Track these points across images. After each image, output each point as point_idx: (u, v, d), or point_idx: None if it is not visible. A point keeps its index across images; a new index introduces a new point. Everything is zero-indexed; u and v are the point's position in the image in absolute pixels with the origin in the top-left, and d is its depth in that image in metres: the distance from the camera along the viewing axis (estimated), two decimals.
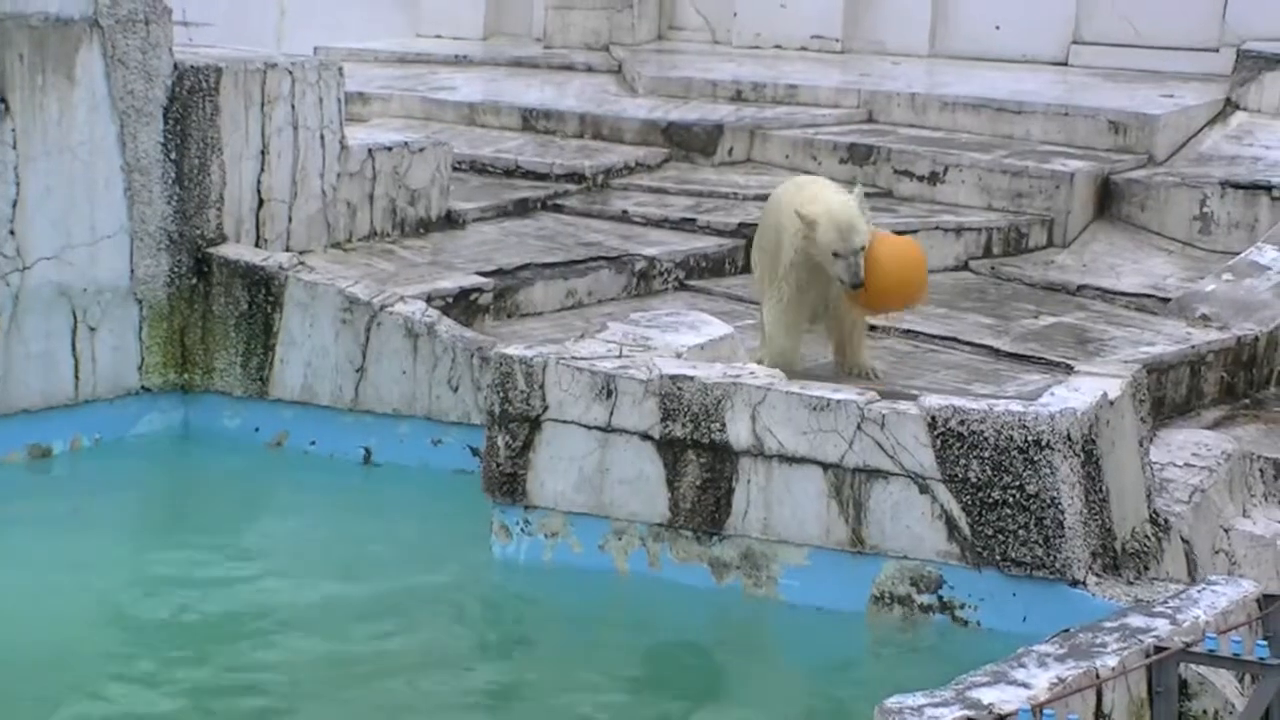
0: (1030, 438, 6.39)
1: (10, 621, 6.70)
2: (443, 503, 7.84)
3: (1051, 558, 6.39)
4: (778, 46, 14.06)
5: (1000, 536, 6.46)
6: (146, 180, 8.46)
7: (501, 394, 7.01)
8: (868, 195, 10.73)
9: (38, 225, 8.08)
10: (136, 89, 8.39)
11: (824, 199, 7.74)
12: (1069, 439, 6.41)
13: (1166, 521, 6.93)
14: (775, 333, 7.89)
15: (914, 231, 10.19)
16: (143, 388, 8.53)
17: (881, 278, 7.61)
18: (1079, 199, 10.68)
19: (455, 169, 10.40)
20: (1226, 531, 7.40)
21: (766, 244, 8.08)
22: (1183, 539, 6.99)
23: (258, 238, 8.92)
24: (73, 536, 7.55)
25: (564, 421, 6.94)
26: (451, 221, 10.05)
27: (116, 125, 8.34)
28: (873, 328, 8.53)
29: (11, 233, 8.00)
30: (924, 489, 6.54)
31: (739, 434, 6.74)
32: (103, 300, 8.36)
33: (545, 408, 6.94)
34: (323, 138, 9.22)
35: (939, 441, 6.51)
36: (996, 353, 8.50)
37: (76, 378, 8.31)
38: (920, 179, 10.99)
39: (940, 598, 6.60)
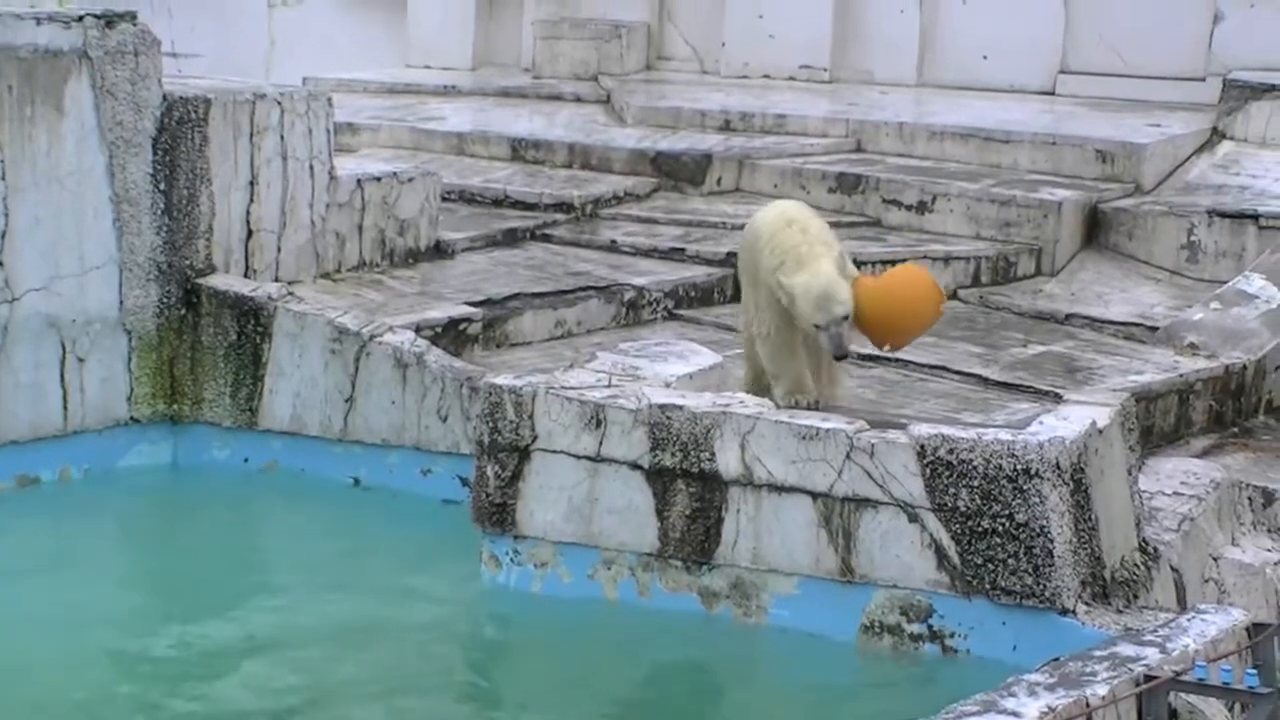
0: (1019, 466, 6.40)
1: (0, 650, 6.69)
2: (432, 532, 7.83)
3: (1041, 586, 6.39)
4: (766, 76, 14.10)
5: (990, 565, 6.46)
6: (135, 211, 8.47)
7: (491, 424, 7.01)
8: (855, 225, 10.88)
9: (26, 256, 8.07)
10: (125, 120, 8.40)
11: (804, 264, 7.30)
12: (1058, 467, 6.42)
13: (1156, 550, 6.93)
14: (779, 366, 7.54)
15: (902, 260, 10.22)
16: (132, 418, 8.52)
17: (874, 327, 7.47)
18: (1067, 228, 10.71)
19: (444, 199, 10.42)
20: (1215, 560, 7.41)
21: (747, 272, 7.85)
22: (1172, 567, 6.99)
23: (247, 268, 8.92)
24: (61, 566, 7.53)
25: (553, 451, 6.93)
26: (440, 251, 10.06)
27: (105, 156, 8.35)
28: (863, 357, 8.55)
29: (0, 264, 7.99)
30: (913, 518, 6.54)
31: (728, 463, 6.74)
32: (92, 331, 8.36)
33: (534, 437, 6.94)
34: (312, 168, 9.23)
35: (928, 470, 6.51)
36: (985, 381, 8.51)
37: (65, 408, 8.31)
38: (909, 208, 11.01)
39: (930, 627, 6.59)
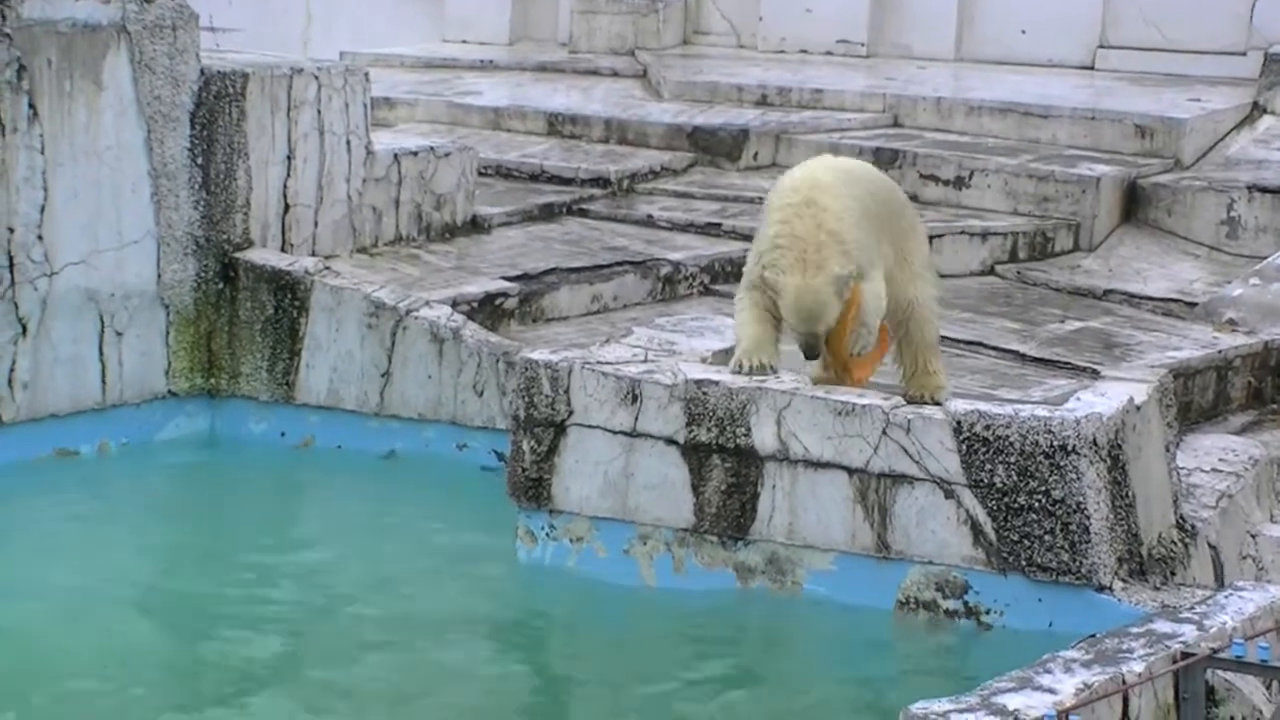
0: (1056, 443, 6.38)
1: (39, 621, 6.72)
2: (468, 507, 7.84)
3: (1077, 563, 6.38)
4: (803, 51, 14.05)
5: (1026, 542, 6.44)
6: (173, 185, 8.49)
7: (527, 399, 7.02)
8: None
9: (65, 230, 8.11)
10: (163, 94, 8.42)
11: (802, 267, 6.69)
12: (1095, 444, 6.39)
13: (1193, 527, 6.91)
14: (741, 326, 6.93)
15: (939, 236, 10.20)
16: (169, 392, 8.56)
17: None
18: (1105, 203, 10.66)
19: (481, 174, 10.42)
20: (1254, 537, 7.37)
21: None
22: (1209, 544, 6.96)
23: (284, 243, 8.94)
24: (98, 538, 7.57)
25: (589, 426, 6.94)
26: (477, 226, 10.07)
27: (143, 130, 8.37)
28: None
29: (39, 237, 8.03)
30: (949, 494, 6.53)
31: (764, 439, 6.73)
32: (130, 305, 8.39)
33: (570, 412, 6.94)
34: (349, 143, 9.24)
35: (964, 446, 6.49)
36: (1022, 357, 8.48)
37: (104, 382, 8.34)
38: (946, 183, 10.97)
39: (966, 603, 6.58)
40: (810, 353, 6.81)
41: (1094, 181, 10.63)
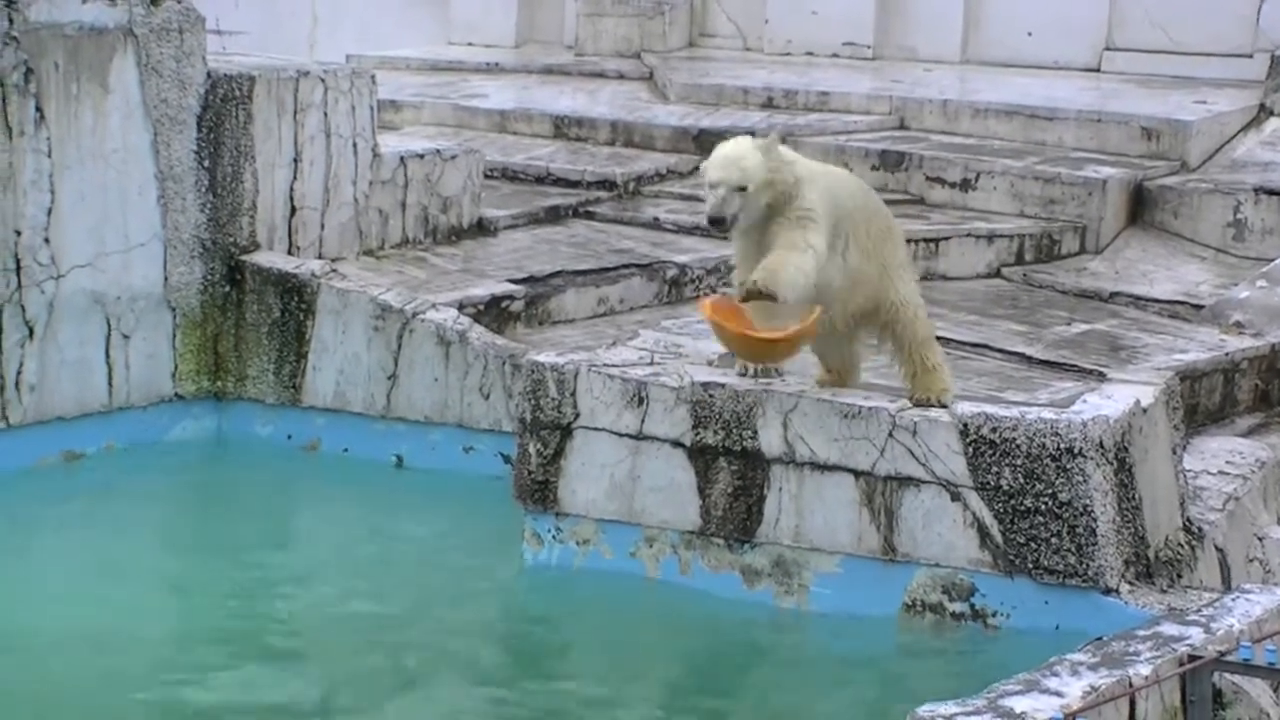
0: (1063, 445, 6.38)
1: (44, 623, 6.73)
2: (474, 510, 7.85)
3: (1084, 566, 6.37)
4: (809, 53, 14.05)
5: (1032, 544, 6.44)
6: (180, 188, 8.50)
7: (533, 401, 7.02)
8: (899, 203, 10.83)
9: (72, 233, 8.12)
10: (170, 97, 8.43)
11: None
12: (1102, 446, 6.39)
13: (1200, 530, 6.90)
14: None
15: (945, 238, 10.20)
16: (176, 395, 8.57)
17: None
18: (1112, 206, 10.65)
19: (487, 176, 10.42)
20: (1261, 540, 7.37)
21: None
22: (1216, 547, 6.96)
23: (290, 245, 8.95)
24: (105, 541, 7.58)
25: (595, 429, 6.94)
26: (483, 229, 10.07)
27: (150, 133, 8.38)
28: None
29: (46, 240, 8.04)
30: (956, 496, 6.53)
31: (770, 441, 6.73)
32: (136, 308, 8.40)
33: (577, 415, 6.95)
34: (355, 145, 9.25)
35: (971, 449, 6.49)
36: (1029, 360, 8.48)
37: (110, 385, 8.35)
38: (952, 186, 10.97)
39: (972, 605, 6.58)
40: (715, 211, 6.59)
41: (1100, 184, 10.63)
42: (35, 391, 8.06)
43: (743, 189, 6.56)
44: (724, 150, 6.75)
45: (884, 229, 6.96)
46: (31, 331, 8.03)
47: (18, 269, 7.95)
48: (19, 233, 7.93)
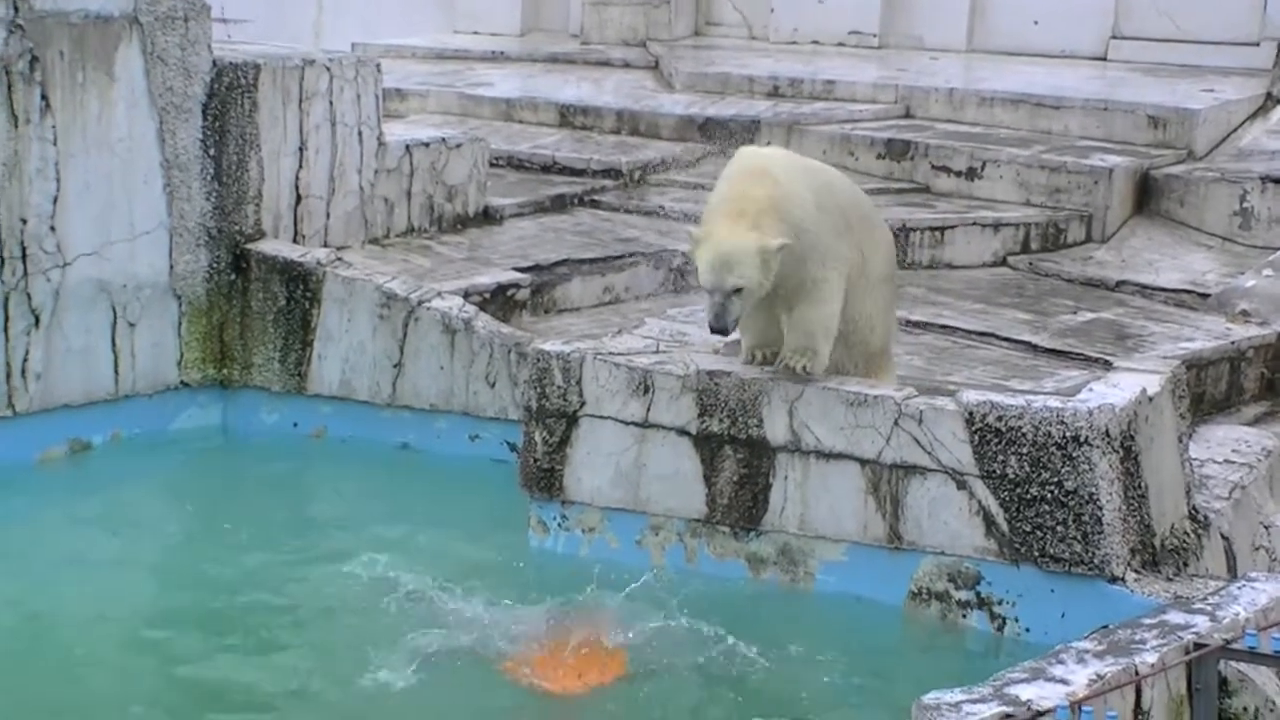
0: (1069, 434, 6.37)
1: (52, 613, 6.74)
2: (480, 498, 7.85)
3: (1090, 554, 6.37)
4: (815, 42, 14.04)
5: (1038, 533, 6.44)
6: (185, 176, 8.50)
7: (539, 389, 7.02)
8: (904, 191, 10.83)
9: (78, 221, 8.12)
10: (175, 86, 8.43)
11: (724, 219, 6.44)
12: (1108, 435, 6.39)
13: (1206, 518, 6.89)
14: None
15: (951, 227, 10.19)
16: (182, 383, 8.57)
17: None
18: (1118, 194, 10.64)
19: (492, 165, 10.42)
20: (1267, 528, 7.36)
21: None
22: (1222, 535, 6.95)
23: (295, 234, 8.95)
24: (112, 530, 7.59)
25: (601, 417, 6.94)
26: (489, 217, 10.07)
27: (155, 122, 8.38)
28: (910, 323, 8.52)
29: (52, 229, 8.04)
30: (961, 485, 6.53)
31: (776, 430, 6.73)
32: (142, 296, 8.40)
33: (582, 403, 6.95)
34: (360, 134, 9.24)
35: (977, 437, 6.49)
36: (1034, 348, 8.47)
37: (116, 373, 8.35)
38: (958, 174, 10.95)
39: (978, 594, 6.58)
40: (716, 321, 6.39)
41: (1106, 172, 10.61)
42: (41, 380, 8.07)
43: (739, 290, 6.38)
44: (718, 250, 6.37)
45: (871, 235, 6.90)
46: (37, 320, 8.03)
47: (24, 257, 7.95)
48: (25, 221, 7.93)
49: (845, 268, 6.65)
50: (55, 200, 8.04)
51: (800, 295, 6.59)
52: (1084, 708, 4.73)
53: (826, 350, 6.66)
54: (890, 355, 7.16)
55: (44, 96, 7.97)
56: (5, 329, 7.93)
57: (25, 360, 8.01)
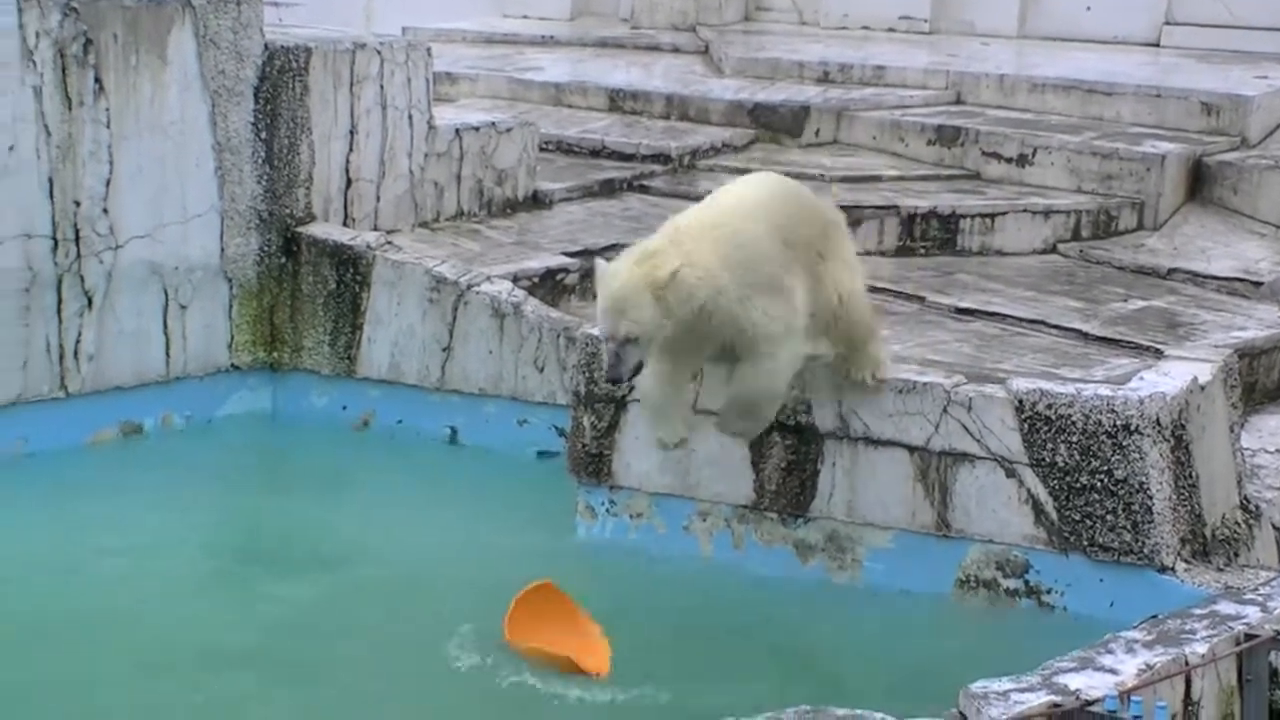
0: (1119, 422, 6.35)
1: (105, 595, 6.78)
2: (527, 483, 7.86)
3: (1140, 543, 6.34)
4: (865, 27, 13.98)
5: (1088, 521, 6.41)
6: (237, 160, 8.54)
7: (587, 374, 7.03)
8: (954, 178, 10.78)
9: (130, 204, 8.16)
10: (228, 69, 8.46)
11: (643, 257, 6.01)
12: (1158, 424, 6.36)
13: (1257, 508, 6.86)
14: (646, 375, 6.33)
15: (1002, 214, 10.14)
16: (232, 365, 8.61)
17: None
18: (1170, 181, 10.57)
19: (542, 149, 10.42)
20: None
21: None
22: (1274, 525, 6.92)
23: (346, 217, 8.97)
24: (160, 516, 7.62)
25: None
26: (538, 201, 10.07)
27: (208, 105, 8.42)
28: (960, 310, 8.50)
29: (105, 211, 8.09)
30: (1010, 473, 6.51)
31: (824, 416, 6.72)
32: (193, 279, 8.44)
33: (631, 388, 6.94)
34: (411, 118, 9.26)
35: (1026, 425, 6.47)
36: (1085, 336, 8.42)
37: (168, 355, 8.40)
38: (1009, 161, 10.90)
39: (1026, 582, 6.56)
40: (611, 371, 6.00)
41: (1159, 159, 10.54)
42: (94, 361, 8.12)
43: (635, 340, 5.96)
44: (606, 291, 5.93)
45: (836, 244, 6.56)
46: (90, 301, 8.09)
47: (77, 239, 8.00)
48: (78, 203, 7.99)
49: (796, 312, 6.24)
50: (108, 183, 8.09)
51: (743, 347, 6.20)
52: (1133, 698, 4.71)
53: (772, 411, 6.37)
54: (880, 338, 6.76)
55: (98, 79, 8.01)
56: (59, 310, 7.99)
57: (78, 342, 8.07)
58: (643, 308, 5.93)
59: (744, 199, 6.35)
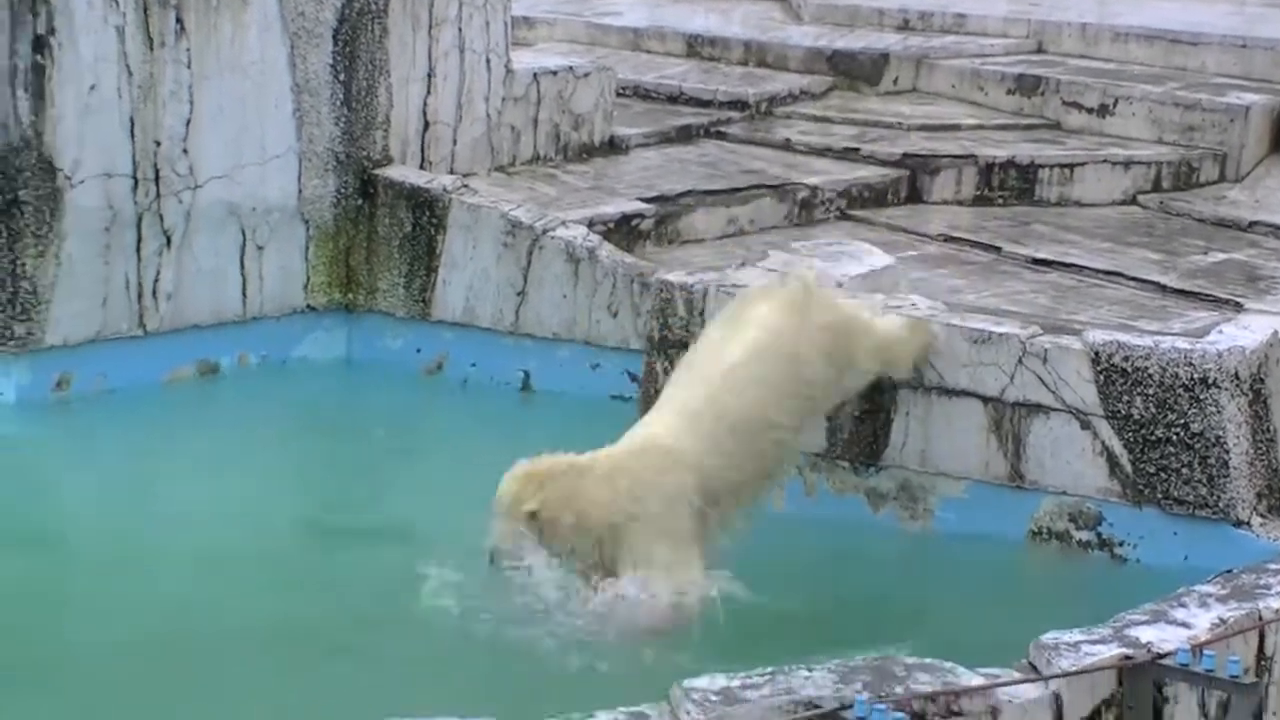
0: (1196, 375, 6.30)
1: (179, 533, 6.85)
2: (600, 427, 7.85)
3: (1215, 497, 6.30)
4: None
5: (1162, 475, 6.38)
6: (315, 101, 8.56)
7: (661, 320, 7.03)
8: (1034, 128, 10.69)
9: (210, 144, 8.21)
10: (307, 10, 8.48)
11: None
12: (1236, 377, 6.31)
13: None
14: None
15: (1081, 164, 10.05)
16: (308, 306, 8.66)
17: None
18: (1254, 133, 10.44)
19: (619, 95, 10.40)
20: None
21: None
22: None
23: (422, 160, 8.99)
24: (238, 454, 7.68)
25: None
26: (614, 147, 10.06)
27: (287, 46, 8.44)
28: (1036, 261, 8.44)
29: (185, 151, 8.14)
30: (1085, 425, 6.47)
31: None
32: (271, 219, 8.49)
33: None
34: (488, 61, 9.26)
35: (1102, 377, 6.43)
36: (1163, 289, 8.35)
37: (244, 295, 8.46)
38: (1089, 111, 10.80)
39: (1099, 534, 6.53)
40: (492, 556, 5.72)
41: (1243, 111, 10.41)
42: (172, 300, 8.19)
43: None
44: (503, 485, 5.74)
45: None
46: (169, 240, 8.15)
47: (156, 179, 8.06)
48: (158, 143, 8.04)
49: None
50: (188, 123, 8.14)
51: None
52: (1206, 651, 4.69)
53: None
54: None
55: (179, 19, 8.05)
56: (138, 249, 8.06)
57: (156, 280, 8.14)
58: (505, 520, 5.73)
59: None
